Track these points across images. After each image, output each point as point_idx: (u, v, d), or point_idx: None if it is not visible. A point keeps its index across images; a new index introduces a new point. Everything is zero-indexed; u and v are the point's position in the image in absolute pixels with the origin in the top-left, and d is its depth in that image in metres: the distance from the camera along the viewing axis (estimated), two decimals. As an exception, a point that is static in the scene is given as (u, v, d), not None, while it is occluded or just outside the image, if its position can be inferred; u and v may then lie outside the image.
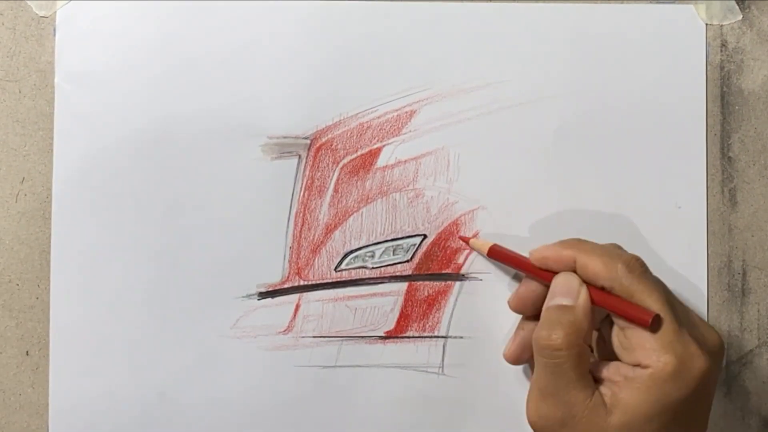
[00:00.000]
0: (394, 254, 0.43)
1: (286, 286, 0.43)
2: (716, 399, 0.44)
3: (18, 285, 0.43)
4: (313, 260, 0.43)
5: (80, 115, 0.43)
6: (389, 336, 0.43)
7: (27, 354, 0.43)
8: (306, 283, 0.43)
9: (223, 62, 0.43)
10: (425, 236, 0.43)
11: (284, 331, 0.43)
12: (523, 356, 0.41)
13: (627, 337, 0.36)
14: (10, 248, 0.43)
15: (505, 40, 0.44)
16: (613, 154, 0.44)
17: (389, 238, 0.43)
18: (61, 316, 0.42)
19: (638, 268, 0.36)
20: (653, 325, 0.34)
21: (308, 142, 0.43)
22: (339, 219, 0.43)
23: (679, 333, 0.35)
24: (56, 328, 0.42)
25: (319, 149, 0.43)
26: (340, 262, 0.43)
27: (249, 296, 0.43)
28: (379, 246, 0.43)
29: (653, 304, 0.35)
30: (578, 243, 0.39)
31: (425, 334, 0.43)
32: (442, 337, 0.43)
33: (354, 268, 0.43)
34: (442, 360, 0.43)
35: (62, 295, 0.42)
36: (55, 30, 0.43)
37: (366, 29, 0.43)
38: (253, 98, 0.43)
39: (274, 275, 0.43)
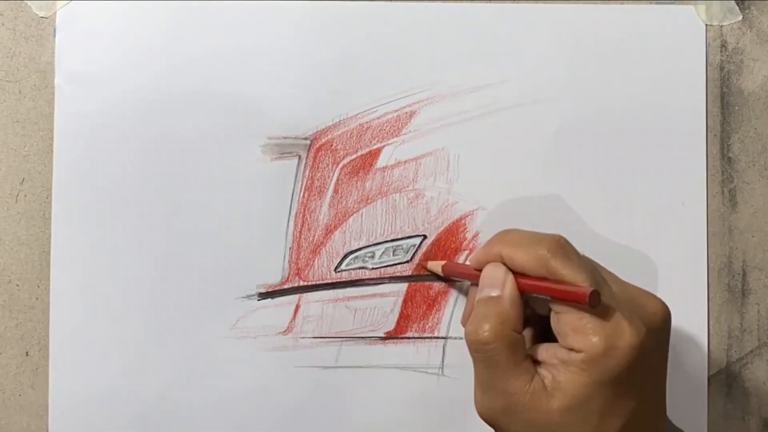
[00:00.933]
0: (394, 255, 0.43)
1: (285, 286, 0.43)
2: (716, 399, 0.44)
3: (18, 285, 0.43)
4: (313, 261, 0.43)
5: (80, 116, 0.43)
6: (389, 337, 0.43)
7: (27, 354, 0.43)
8: (306, 283, 0.43)
9: (222, 63, 0.43)
10: (425, 237, 0.43)
11: (284, 331, 0.43)
12: None
13: (559, 322, 0.35)
14: (10, 249, 0.43)
15: (505, 40, 0.44)
16: (612, 155, 0.44)
17: (389, 239, 0.43)
18: (60, 317, 0.42)
19: (559, 250, 0.35)
20: (592, 300, 0.33)
21: (308, 142, 0.43)
22: (339, 219, 0.43)
23: (606, 312, 0.34)
24: (56, 328, 0.42)
25: (319, 150, 0.43)
26: (340, 263, 0.43)
27: (249, 297, 0.43)
28: (379, 246, 0.43)
29: (582, 282, 0.34)
30: (502, 236, 0.38)
31: (425, 335, 0.43)
32: (442, 337, 0.43)
33: (354, 269, 0.43)
34: (442, 361, 0.43)
35: (62, 296, 0.42)
36: (55, 30, 0.43)
37: (366, 30, 0.43)
38: (253, 99, 0.43)
39: (273, 276, 0.43)
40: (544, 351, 0.36)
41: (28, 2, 0.43)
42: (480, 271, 0.38)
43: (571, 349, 0.34)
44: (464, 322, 0.41)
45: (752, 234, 0.44)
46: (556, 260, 0.35)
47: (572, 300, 0.34)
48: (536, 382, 0.35)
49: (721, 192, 0.44)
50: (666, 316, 0.37)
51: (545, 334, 0.37)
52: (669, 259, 0.43)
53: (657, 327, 0.36)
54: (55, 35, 0.43)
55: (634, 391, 0.35)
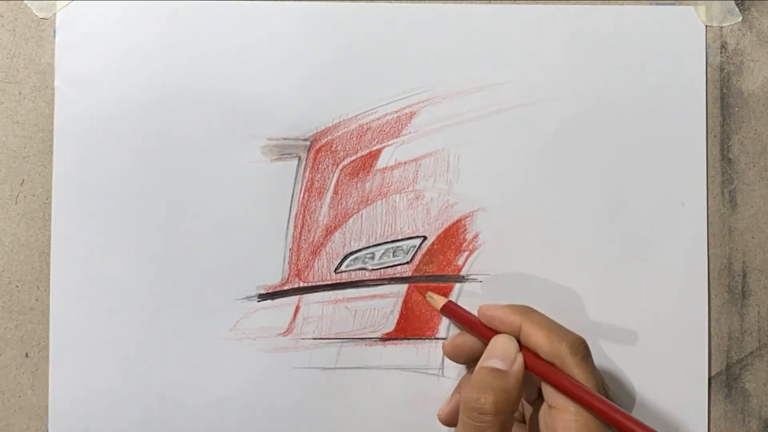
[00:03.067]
0: (393, 256, 0.43)
1: (285, 287, 0.43)
2: (717, 401, 0.44)
3: (18, 287, 0.43)
4: (313, 262, 0.43)
5: (80, 117, 0.43)
6: (389, 338, 0.43)
7: (27, 356, 0.43)
8: (306, 284, 0.43)
9: (222, 64, 0.43)
10: (425, 238, 0.43)
11: (284, 332, 0.43)
12: (456, 357, 0.41)
13: (552, 417, 0.36)
14: (10, 250, 0.43)
15: (505, 41, 0.44)
16: (612, 156, 0.44)
17: (389, 240, 0.43)
18: (60, 318, 0.42)
19: (582, 351, 0.36)
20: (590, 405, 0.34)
21: (308, 143, 0.43)
22: (339, 220, 0.43)
23: (604, 425, 0.35)
24: (56, 329, 0.42)
25: (319, 151, 0.43)
26: (340, 264, 0.43)
27: (249, 298, 0.43)
28: (378, 248, 0.43)
29: (588, 382, 0.35)
30: (528, 311, 0.39)
31: (425, 336, 0.43)
32: (442, 338, 0.43)
33: (354, 270, 0.43)
34: (442, 362, 0.43)
35: (62, 297, 0.42)
36: (55, 32, 0.43)
37: (366, 30, 0.43)
38: (253, 100, 0.43)
39: (273, 277, 0.43)
40: None
41: (28, 3, 0.43)
42: (484, 326, 0.39)
43: None
44: (446, 350, 0.41)
45: (752, 235, 0.44)
46: (574, 359, 0.36)
47: (568, 392, 0.35)
48: None
49: (721, 193, 0.44)
50: None
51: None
52: (669, 260, 0.43)
53: None
54: (54, 36, 0.43)
55: None
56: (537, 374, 0.37)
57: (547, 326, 0.37)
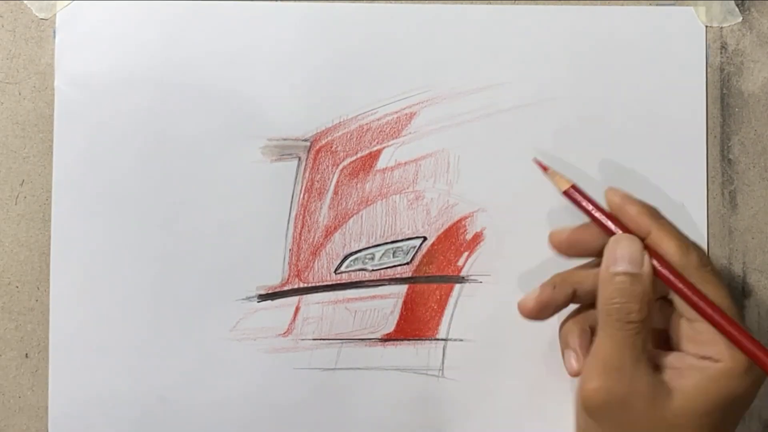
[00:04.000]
0: (393, 256, 0.43)
1: (285, 288, 0.43)
2: (717, 401, 0.44)
3: (18, 287, 0.43)
4: (313, 262, 0.43)
5: (80, 118, 0.43)
6: (389, 338, 0.43)
7: (26, 356, 0.43)
8: (306, 285, 0.43)
9: (222, 64, 0.43)
10: (425, 238, 0.43)
11: (284, 333, 0.43)
12: (542, 314, 0.38)
13: (695, 329, 0.35)
14: (10, 250, 0.43)
15: (505, 42, 0.44)
16: (612, 157, 0.44)
17: (389, 241, 0.43)
18: (60, 319, 0.42)
19: (710, 263, 0.35)
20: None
21: (308, 144, 0.43)
22: (339, 221, 0.43)
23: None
24: (56, 330, 0.42)
25: (318, 151, 0.43)
26: (340, 265, 0.43)
27: (249, 298, 0.43)
28: (378, 248, 0.43)
29: (722, 301, 0.34)
30: (657, 216, 0.37)
31: (425, 337, 0.43)
32: (442, 339, 0.43)
33: (354, 271, 0.43)
34: (442, 363, 0.43)
35: (62, 298, 0.42)
36: (55, 32, 0.43)
37: (366, 31, 0.43)
38: (253, 100, 0.43)
39: (273, 277, 0.43)
40: (665, 356, 0.35)
41: (28, 4, 0.43)
42: (610, 218, 0.36)
43: (706, 358, 0.34)
44: (528, 305, 0.38)
45: (752, 236, 0.44)
46: (705, 270, 0.35)
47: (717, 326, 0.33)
48: (659, 378, 0.34)
49: (721, 194, 0.44)
50: None
51: None
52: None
53: None
54: (54, 37, 0.43)
55: (734, 420, 0.35)
56: (676, 289, 0.35)
57: (677, 235, 0.36)
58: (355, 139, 0.43)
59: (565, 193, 0.38)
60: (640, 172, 0.44)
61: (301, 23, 0.43)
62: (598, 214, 0.37)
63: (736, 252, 0.44)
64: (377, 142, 0.43)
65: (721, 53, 0.44)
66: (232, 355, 0.43)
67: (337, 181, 0.43)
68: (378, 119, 0.43)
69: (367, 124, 0.43)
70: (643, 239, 0.36)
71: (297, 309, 0.43)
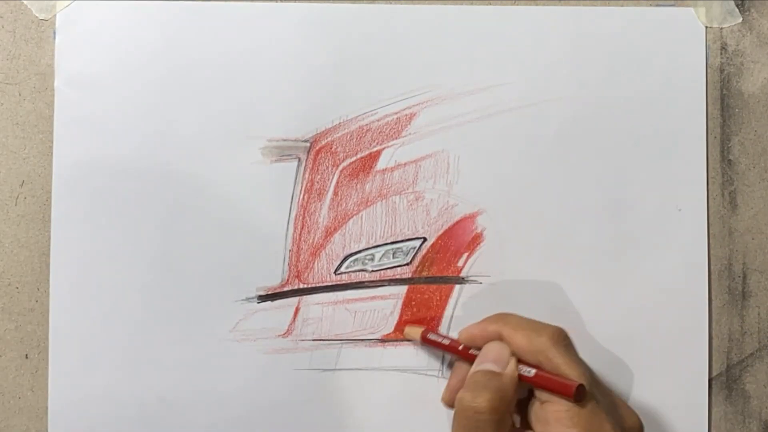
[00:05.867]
0: (393, 257, 0.43)
1: (285, 289, 0.43)
2: (717, 402, 0.44)
3: (17, 288, 0.43)
4: (313, 263, 0.43)
5: (80, 118, 0.43)
6: (389, 339, 0.43)
7: (26, 357, 0.43)
8: (305, 286, 0.43)
9: (222, 65, 0.43)
10: (425, 239, 0.43)
11: (284, 334, 0.43)
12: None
13: (544, 411, 0.36)
14: (10, 251, 0.43)
15: (505, 42, 0.44)
16: (613, 157, 0.44)
17: (389, 241, 0.43)
18: (60, 319, 0.42)
19: (563, 340, 0.37)
20: (577, 395, 0.34)
21: (308, 145, 0.43)
22: (339, 222, 0.43)
23: (595, 410, 0.35)
24: (55, 331, 0.42)
25: (318, 152, 0.43)
26: (340, 265, 0.43)
27: (249, 299, 0.43)
28: (378, 249, 0.43)
29: (577, 378, 0.35)
30: (503, 317, 0.39)
31: (425, 338, 0.43)
32: (442, 340, 0.43)
33: (354, 271, 0.43)
34: (442, 363, 0.43)
35: (61, 298, 0.42)
36: (54, 33, 0.43)
37: (366, 31, 0.43)
38: (253, 101, 0.43)
39: (273, 278, 0.43)
40: None
41: (28, 4, 0.43)
42: (465, 347, 0.39)
43: None
44: (446, 398, 0.41)
45: (752, 236, 0.44)
46: (555, 350, 0.36)
47: (559, 391, 0.35)
48: None
49: (722, 194, 0.44)
50: (640, 430, 0.37)
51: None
52: (669, 262, 0.43)
53: None
54: (54, 37, 0.43)
55: None
56: (524, 380, 0.37)
57: (524, 326, 0.38)
58: (355, 140, 0.43)
59: (422, 341, 0.42)
60: (640, 173, 0.44)
61: (301, 23, 0.43)
62: (455, 347, 0.40)
63: (737, 252, 0.44)
64: (377, 143, 0.43)
65: (721, 54, 0.44)
66: (231, 356, 0.43)
67: (337, 182, 0.43)
68: (378, 120, 0.43)
69: (367, 124, 0.43)
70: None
71: (297, 310, 0.43)
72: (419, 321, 0.43)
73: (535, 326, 0.38)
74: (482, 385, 0.36)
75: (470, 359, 0.39)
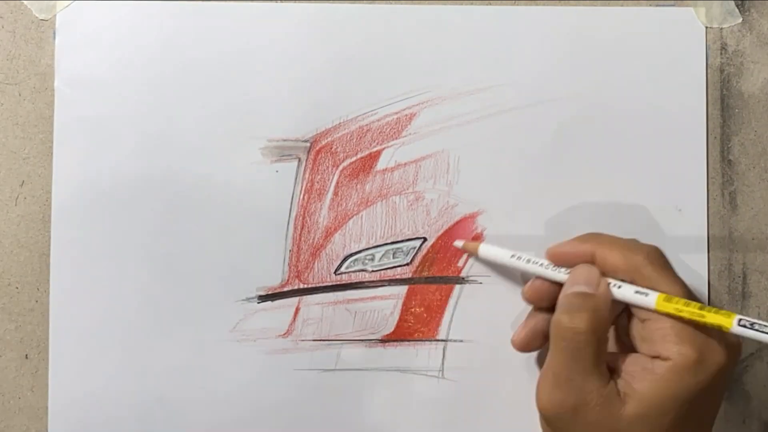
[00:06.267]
0: (393, 257, 0.43)
1: (285, 289, 0.43)
2: (717, 402, 0.44)
3: (17, 288, 0.43)
4: (313, 263, 0.43)
5: (80, 119, 0.43)
6: (389, 339, 0.43)
7: (26, 357, 0.43)
8: (306, 286, 0.43)
9: (222, 65, 0.43)
10: (425, 239, 0.43)
11: (284, 334, 0.43)
12: (532, 344, 0.40)
13: (647, 329, 0.35)
14: (10, 251, 0.43)
15: (505, 42, 0.44)
16: (613, 158, 0.44)
17: (389, 241, 0.43)
18: (60, 320, 0.42)
19: (659, 258, 0.36)
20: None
21: (308, 145, 0.43)
22: (339, 222, 0.43)
23: (698, 326, 0.34)
24: (56, 331, 0.42)
25: (318, 152, 0.43)
26: (340, 266, 0.43)
27: (249, 299, 0.43)
28: (378, 249, 0.43)
29: (675, 294, 0.35)
30: (596, 236, 0.38)
31: (425, 338, 0.43)
32: (442, 340, 0.43)
33: (354, 272, 0.43)
34: (442, 363, 0.43)
35: (62, 299, 0.42)
36: (55, 33, 0.43)
37: (366, 32, 0.43)
38: (253, 101, 0.43)
39: (273, 278, 0.43)
40: (623, 360, 0.36)
41: (28, 5, 0.43)
42: (552, 265, 0.38)
43: (656, 357, 0.34)
44: (527, 294, 0.40)
45: (752, 237, 0.44)
46: (653, 267, 0.35)
47: (716, 324, 0.33)
48: (611, 387, 0.34)
49: (722, 195, 0.44)
50: (740, 345, 0.36)
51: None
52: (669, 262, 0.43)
53: (735, 354, 0.36)
54: (54, 38, 0.43)
55: (700, 415, 0.35)
56: (622, 299, 0.36)
57: (619, 244, 0.37)
58: (355, 140, 0.43)
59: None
60: (640, 173, 0.44)
61: (301, 23, 0.43)
62: (547, 271, 0.39)
63: (737, 253, 0.44)
64: (377, 143, 0.43)
65: (721, 54, 0.44)
66: (231, 356, 0.43)
67: (337, 182, 0.43)
68: (378, 120, 0.43)
69: (367, 125, 0.43)
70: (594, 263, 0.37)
71: (297, 310, 0.43)
72: (419, 321, 0.43)
73: (630, 244, 0.37)
74: (578, 306, 0.35)
75: (552, 280, 0.38)
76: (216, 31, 0.43)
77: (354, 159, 0.43)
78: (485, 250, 0.42)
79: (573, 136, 0.44)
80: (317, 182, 0.43)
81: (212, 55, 0.43)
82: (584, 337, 0.35)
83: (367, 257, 0.43)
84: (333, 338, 0.43)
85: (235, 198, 0.43)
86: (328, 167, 0.43)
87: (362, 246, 0.43)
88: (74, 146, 0.43)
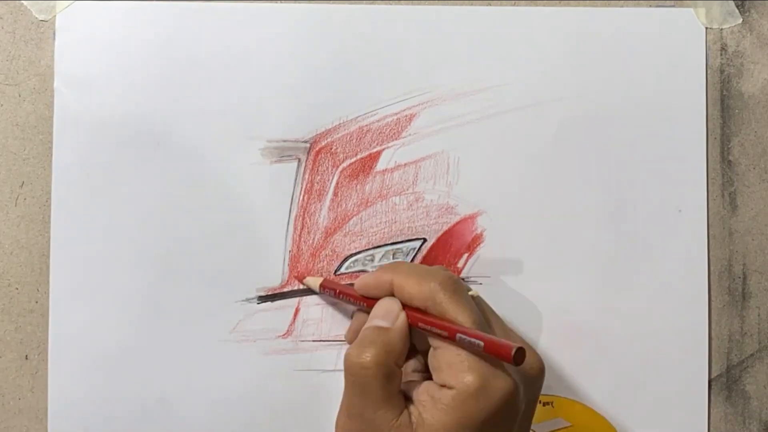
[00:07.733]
0: (393, 258, 0.43)
1: (285, 289, 0.43)
2: (717, 403, 0.44)
3: (17, 289, 0.43)
4: (313, 264, 0.43)
5: (79, 119, 0.43)
6: (389, 340, 0.43)
7: (26, 358, 0.43)
8: (306, 286, 0.43)
9: (222, 66, 0.43)
10: (425, 240, 0.43)
11: (284, 335, 0.43)
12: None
13: (436, 358, 0.35)
14: (10, 252, 0.43)
15: (504, 43, 0.44)
16: (613, 158, 0.44)
17: (389, 242, 0.43)
18: (60, 320, 0.42)
19: (451, 286, 0.36)
20: (517, 358, 0.32)
21: (308, 145, 0.43)
22: (339, 223, 0.43)
23: (481, 356, 0.34)
24: (55, 332, 0.42)
25: (318, 153, 0.43)
26: (340, 266, 0.43)
27: (249, 300, 0.43)
28: (378, 250, 0.43)
29: (464, 322, 0.35)
30: (395, 266, 0.39)
31: (425, 338, 0.43)
32: (442, 341, 0.43)
33: (354, 272, 0.43)
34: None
35: (61, 299, 0.42)
36: (54, 34, 0.43)
37: (366, 32, 0.43)
38: (253, 102, 0.43)
39: (273, 279, 0.43)
40: (417, 388, 0.36)
41: (28, 5, 0.43)
42: (363, 297, 0.39)
43: (443, 386, 0.34)
44: (348, 339, 0.41)
45: (752, 237, 0.44)
46: (444, 295, 0.35)
47: (497, 354, 0.33)
48: (404, 417, 0.35)
49: (722, 195, 0.44)
50: (541, 372, 0.37)
51: (424, 369, 0.38)
52: (669, 263, 0.43)
53: (531, 379, 0.36)
54: (54, 38, 0.43)
55: None
56: (417, 327, 0.36)
57: (415, 272, 0.37)
58: (354, 141, 0.43)
59: (321, 289, 0.42)
60: (640, 174, 0.44)
61: (301, 24, 0.43)
62: (353, 295, 0.40)
63: (737, 253, 0.44)
64: (377, 144, 0.43)
65: (721, 55, 0.44)
66: (231, 357, 0.43)
67: (337, 183, 0.43)
68: (378, 120, 0.43)
69: (366, 125, 0.43)
70: (394, 294, 0.38)
71: (297, 310, 0.43)
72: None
73: (426, 272, 0.37)
74: (369, 341, 0.36)
75: (367, 305, 0.39)
76: (216, 32, 0.43)
77: (354, 160, 0.43)
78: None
79: (573, 136, 0.44)
80: (317, 183, 0.43)
81: (212, 56, 0.43)
82: (371, 371, 0.35)
83: (367, 258, 0.43)
84: (333, 339, 0.43)
85: (235, 199, 0.43)
86: (327, 168, 0.43)
87: (362, 247, 0.43)
88: (74, 147, 0.43)
